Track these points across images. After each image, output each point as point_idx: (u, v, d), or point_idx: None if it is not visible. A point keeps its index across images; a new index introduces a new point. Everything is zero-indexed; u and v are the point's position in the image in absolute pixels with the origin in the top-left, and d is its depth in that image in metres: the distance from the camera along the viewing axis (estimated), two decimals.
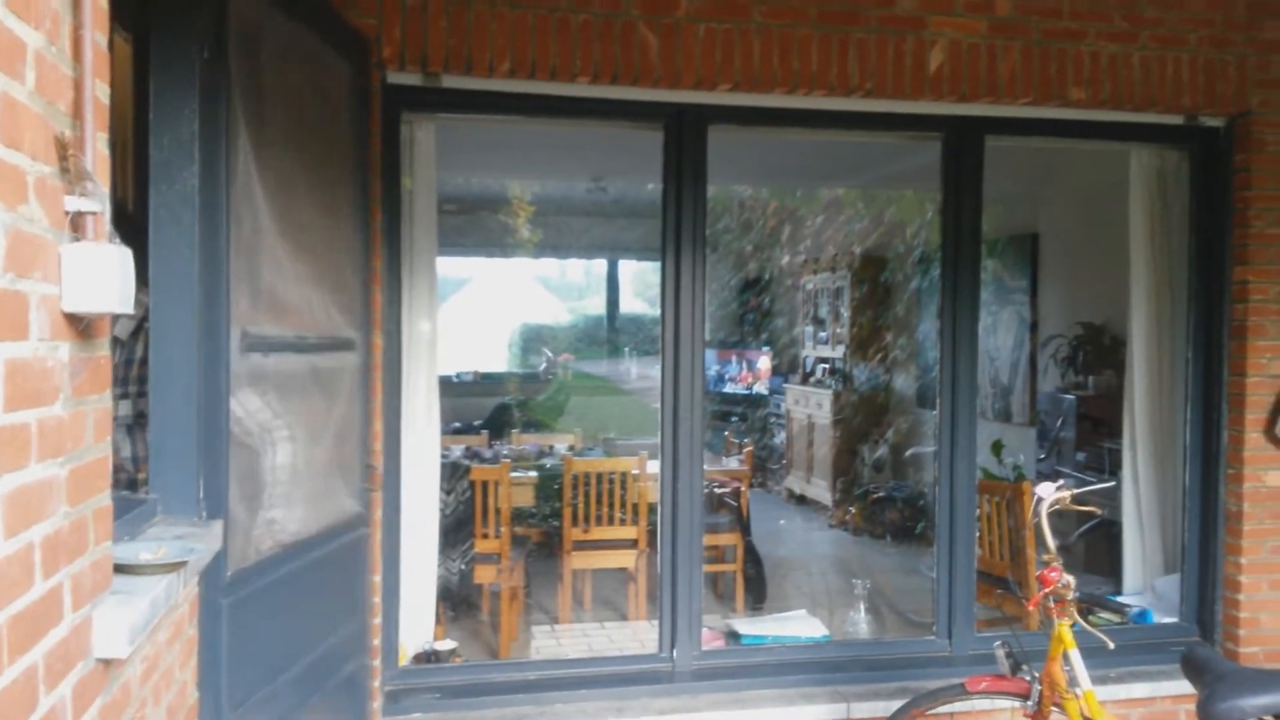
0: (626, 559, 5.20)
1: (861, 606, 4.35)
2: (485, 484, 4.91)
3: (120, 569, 1.64)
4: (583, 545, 5.11)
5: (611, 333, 13.23)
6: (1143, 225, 4.16)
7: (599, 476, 5.13)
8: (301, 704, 2.61)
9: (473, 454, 5.82)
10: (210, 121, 2.15)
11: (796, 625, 3.93)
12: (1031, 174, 6.30)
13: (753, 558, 5.73)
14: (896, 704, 3.25)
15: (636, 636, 4.83)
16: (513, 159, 6.44)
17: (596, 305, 14.08)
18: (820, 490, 8.53)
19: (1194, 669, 2.47)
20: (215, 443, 2.18)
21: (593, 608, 5.42)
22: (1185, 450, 3.96)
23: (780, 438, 9.63)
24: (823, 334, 9.52)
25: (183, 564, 1.75)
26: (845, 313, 8.96)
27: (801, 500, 8.92)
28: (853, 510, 7.62)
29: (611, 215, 10.30)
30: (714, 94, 3.46)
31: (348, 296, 2.97)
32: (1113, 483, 3.13)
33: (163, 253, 2.13)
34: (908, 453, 7.90)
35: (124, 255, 1.41)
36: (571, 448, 6.44)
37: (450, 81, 3.32)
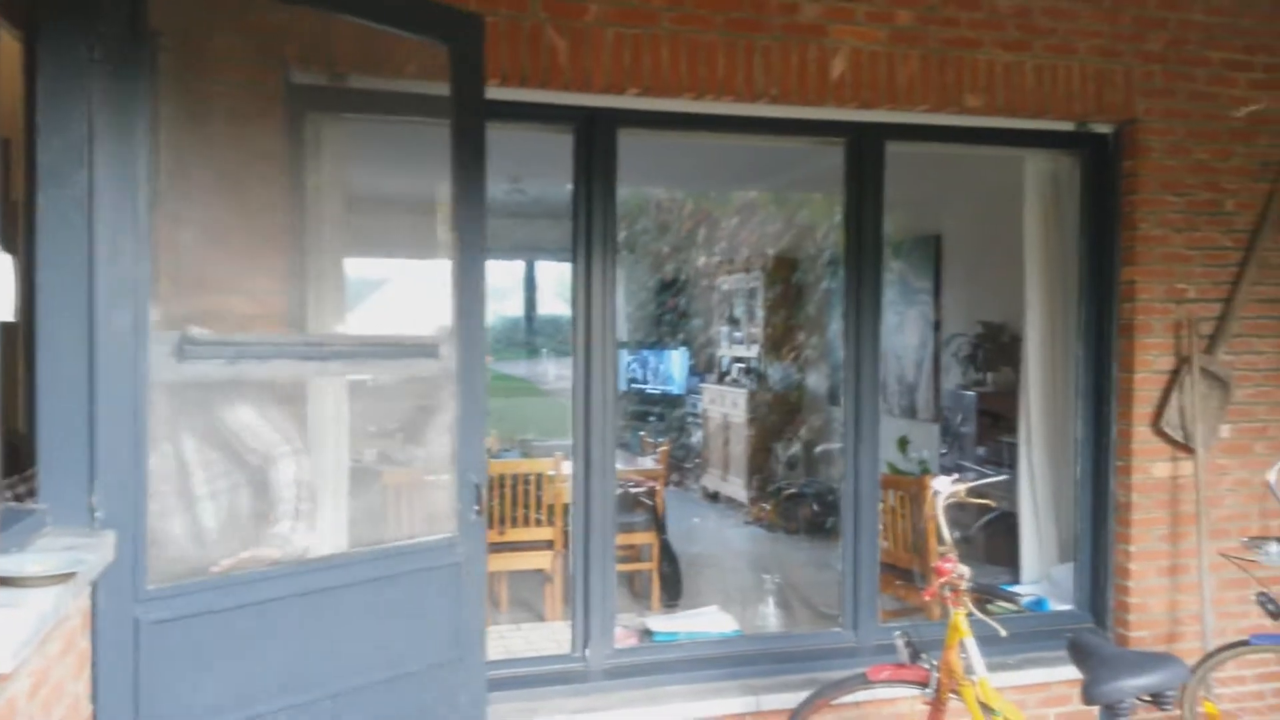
0: (543, 560, 5.21)
1: (771, 601, 4.44)
2: (399, 487, 4.85)
3: (6, 581, 1.60)
4: (499, 547, 5.09)
5: (530, 334, 13.20)
6: (1037, 228, 4.33)
7: (515, 478, 5.13)
8: None
9: (385, 457, 5.74)
10: (114, 125, 2.11)
11: (708, 621, 3.99)
12: (934, 177, 6.48)
13: (668, 556, 5.78)
14: (805, 695, 3.33)
15: (553, 637, 4.83)
16: (425, 160, 6.38)
17: (516, 307, 14.03)
18: (736, 488, 8.65)
19: (1079, 654, 2.59)
20: (117, 452, 2.14)
21: (509, 609, 5.41)
22: (1077, 444, 4.13)
23: (697, 436, 9.73)
24: (738, 334, 9.65)
25: (71, 575, 1.71)
26: (759, 313, 9.11)
27: (718, 498, 9.03)
28: (767, 507, 7.75)
29: (532, 216, 10.27)
30: (623, 98, 3.49)
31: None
32: (1005, 476, 3.25)
33: (51, 257, 2.08)
34: (818, 449, 8.06)
35: (3, 263, 1.37)
36: (488, 449, 6.41)
37: (358, 82, 3.29)
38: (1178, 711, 3.65)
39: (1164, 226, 3.94)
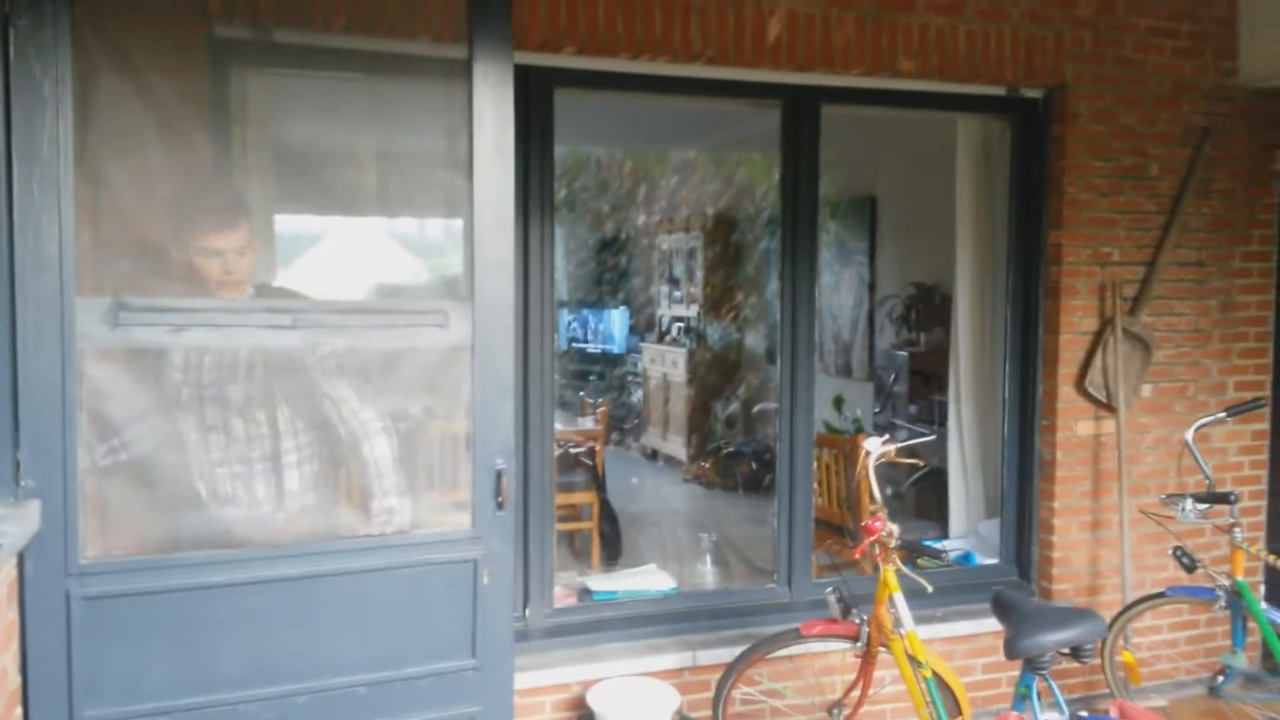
0: None
1: (708, 558, 4.51)
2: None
3: None
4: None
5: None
6: (968, 191, 4.40)
7: (440, 438, 5.11)
8: None
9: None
10: (27, 81, 2.06)
11: (646, 579, 4.04)
12: (870, 140, 6.54)
13: (608, 515, 5.83)
14: (740, 650, 3.41)
15: None
16: (359, 117, 6.25)
17: (456, 264, 13.83)
18: (676, 446, 8.72)
19: (1002, 610, 2.68)
20: (42, 421, 2.10)
21: None
22: (1004, 403, 4.24)
23: (637, 396, 9.78)
24: (678, 293, 9.68)
25: None
26: (699, 272, 9.14)
27: (658, 457, 9.10)
28: (706, 465, 7.83)
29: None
30: (559, 57, 3.45)
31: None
32: (933, 437, 3.34)
33: None
34: (756, 408, 8.15)
35: None
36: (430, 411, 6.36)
37: (283, 36, 3.20)
38: (1097, 661, 3.81)
39: (1090, 191, 4.04)
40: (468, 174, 2.59)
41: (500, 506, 2.53)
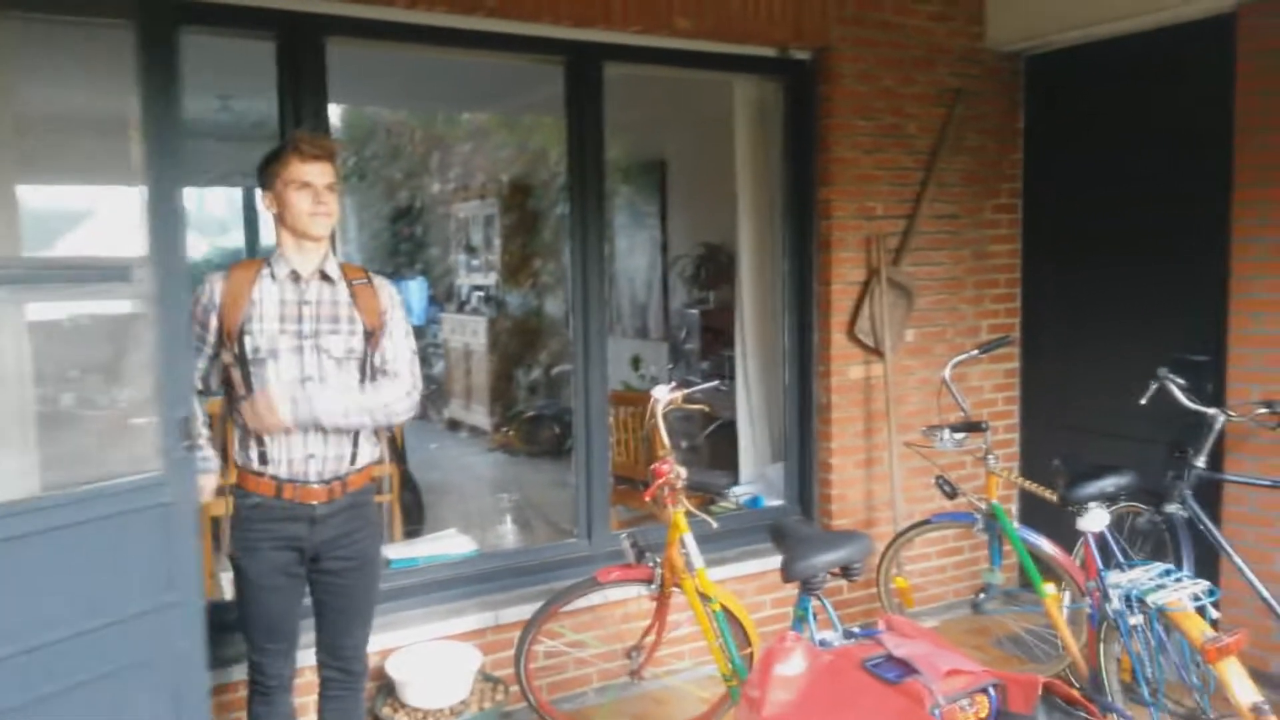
0: None
1: (509, 519, 4.52)
2: (101, 431, 4.49)
3: None
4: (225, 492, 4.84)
5: None
6: (746, 150, 4.57)
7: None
8: None
9: (85, 400, 5.27)
10: None
11: (446, 544, 4.00)
12: (658, 103, 6.64)
13: (409, 485, 5.72)
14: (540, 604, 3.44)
15: None
16: (116, 73, 5.79)
17: (239, 238, 13.12)
18: (480, 416, 8.65)
19: (778, 537, 2.83)
20: None
21: None
22: (785, 352, 4.45)
23: (439, 367, 9.61)
24: (476, 262, 9.56)
25: None
26: (496, 240, 9.06)
27: (460, 427, 9.00)
28: (510, 433, 7.82)
29: (247, 139, 9.56)
30: (330, 4, 3.32)
31: None
32: (715, 383, 3.47)
33: None
34: (555, 371, 8.20)
35: None
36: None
37: None
38: (867, 581, 4.09)
39: (855, 149, 4.27)
40: (138, 136, 2.61)
41: (189, 450, 2.60)
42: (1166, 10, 3.97)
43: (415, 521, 5.62)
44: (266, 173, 2.69)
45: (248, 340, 2.61)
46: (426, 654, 3.44)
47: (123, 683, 2.51)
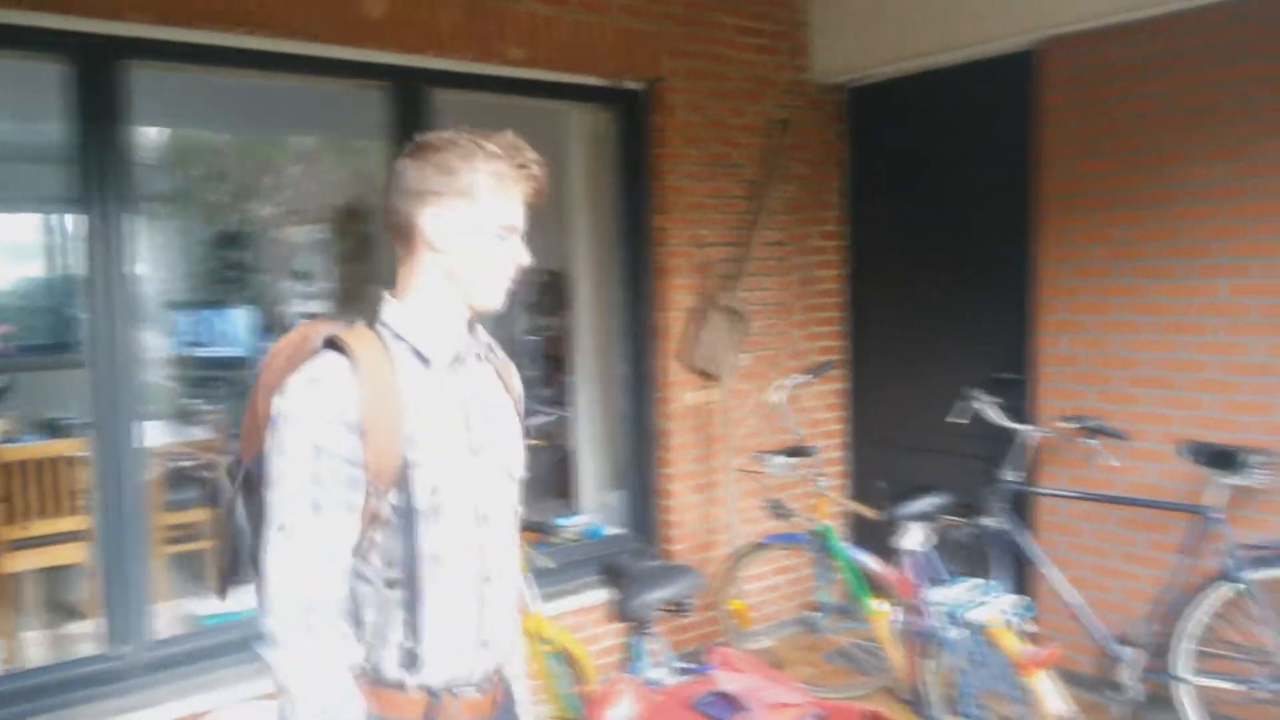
0: (77, 553, 4.63)
1: None
2: None
3: None
4: (23, 544, 4.47)
5: (68, 297, 11.56)
6: (582, 179, 4.55)
7: (36, 465, 4.51)
8: None
9: None
10: None
11: None
12: (493, 129, 6.57)
13: None
14: None
15: (97, 635, 4.33)
16: None
17: (50, 268, 12.18)
18: None
19: (612, 577, 2.80)
20: None
21: (47, 612, 4.80)
22: (622, 379, 4.44)
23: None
24: (308, 289, 9.21)
25: None
26: (329, 267, 8.76)
27: None
28: None
29: (44, 160, 8.92)
30: (129, 25, 3.11)
31: None
32: (555, 416, 3.42)
33: None
34: None
35: None
36: (6, 434, 5.55)
37: None
38: (700, 615, 4.11)
39: (687, 178, 4.32)
40: None
41: None
42: (969, 47, 4.20)
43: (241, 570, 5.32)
44: (431, 193, 1.55)
45: (417, 478, 1.51)
46: (243, 715, 3.22)
47: None
